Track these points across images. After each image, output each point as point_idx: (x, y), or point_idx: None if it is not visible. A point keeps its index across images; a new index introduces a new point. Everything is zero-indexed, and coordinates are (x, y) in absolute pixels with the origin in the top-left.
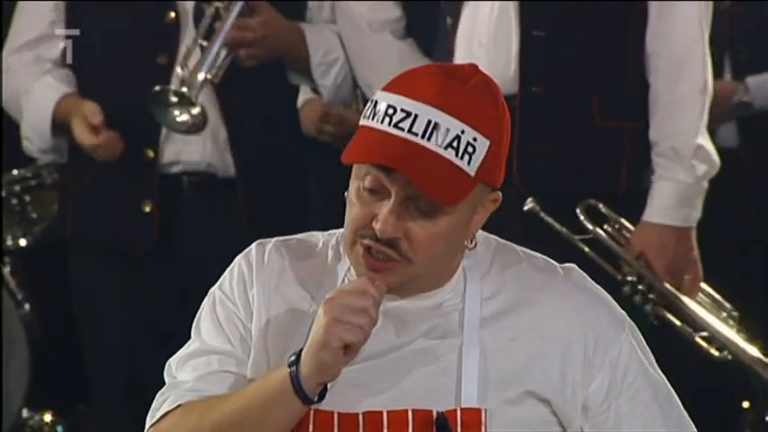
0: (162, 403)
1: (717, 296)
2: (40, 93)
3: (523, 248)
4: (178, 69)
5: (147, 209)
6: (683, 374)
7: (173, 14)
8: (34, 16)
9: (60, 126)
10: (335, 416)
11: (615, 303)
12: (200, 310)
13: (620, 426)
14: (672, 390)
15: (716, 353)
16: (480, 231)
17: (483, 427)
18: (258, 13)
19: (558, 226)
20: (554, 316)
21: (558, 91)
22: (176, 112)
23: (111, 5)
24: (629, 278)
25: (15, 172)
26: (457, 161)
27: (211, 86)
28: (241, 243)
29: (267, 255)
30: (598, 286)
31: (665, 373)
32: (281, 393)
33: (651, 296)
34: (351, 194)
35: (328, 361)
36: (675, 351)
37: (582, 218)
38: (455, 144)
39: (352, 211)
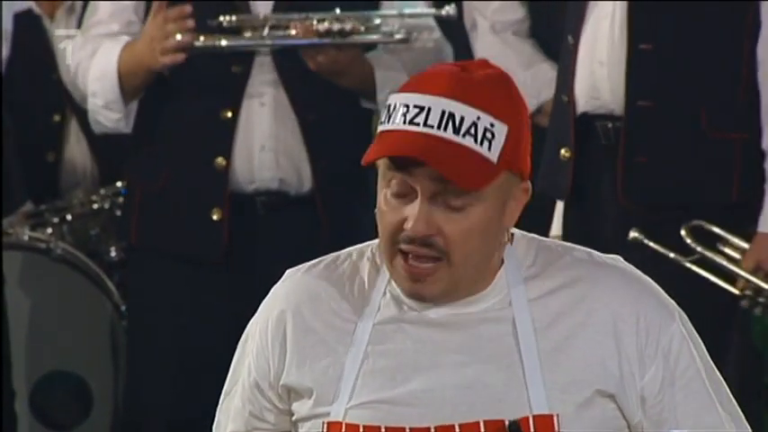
0: None
1: None
2: (108, 45)
3: (564, 243)
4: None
5: (216, 216)
6: None
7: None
8: (114, 11)
9: (128, 75)
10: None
11: (664, 293)
12: None
13: (675, 414)
14: (722, 379)
15: None
16: (521, 231)
17: None
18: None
19: (664, 251)
20: (605, 309)
21: (665, 103)
22: None
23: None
24: (747, 292)
25: (119, 184)
26: (477, 147)
27: (290, 104)
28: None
29: (298, 281)
30: (645, 276)
31: None
32: None
33: None
34: (380, 205)
35: None
36: None
37: (688, 241)
38: (472, 131)
39: (384, 220)
